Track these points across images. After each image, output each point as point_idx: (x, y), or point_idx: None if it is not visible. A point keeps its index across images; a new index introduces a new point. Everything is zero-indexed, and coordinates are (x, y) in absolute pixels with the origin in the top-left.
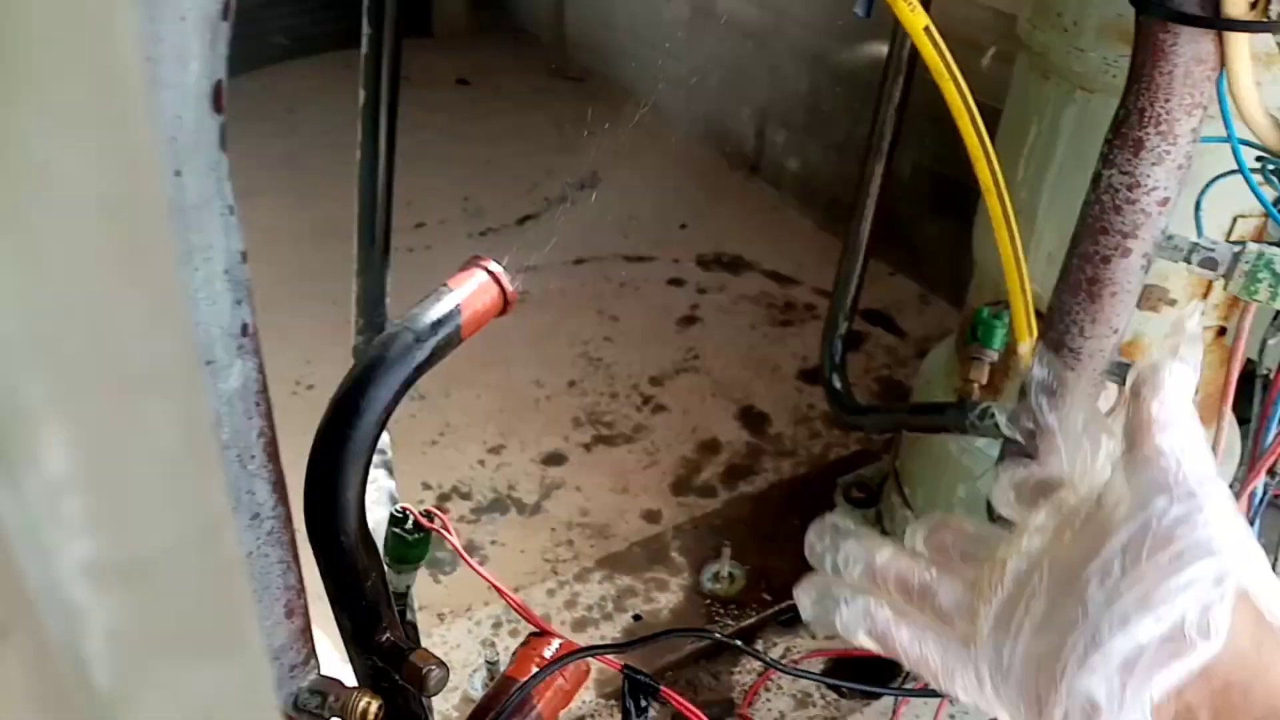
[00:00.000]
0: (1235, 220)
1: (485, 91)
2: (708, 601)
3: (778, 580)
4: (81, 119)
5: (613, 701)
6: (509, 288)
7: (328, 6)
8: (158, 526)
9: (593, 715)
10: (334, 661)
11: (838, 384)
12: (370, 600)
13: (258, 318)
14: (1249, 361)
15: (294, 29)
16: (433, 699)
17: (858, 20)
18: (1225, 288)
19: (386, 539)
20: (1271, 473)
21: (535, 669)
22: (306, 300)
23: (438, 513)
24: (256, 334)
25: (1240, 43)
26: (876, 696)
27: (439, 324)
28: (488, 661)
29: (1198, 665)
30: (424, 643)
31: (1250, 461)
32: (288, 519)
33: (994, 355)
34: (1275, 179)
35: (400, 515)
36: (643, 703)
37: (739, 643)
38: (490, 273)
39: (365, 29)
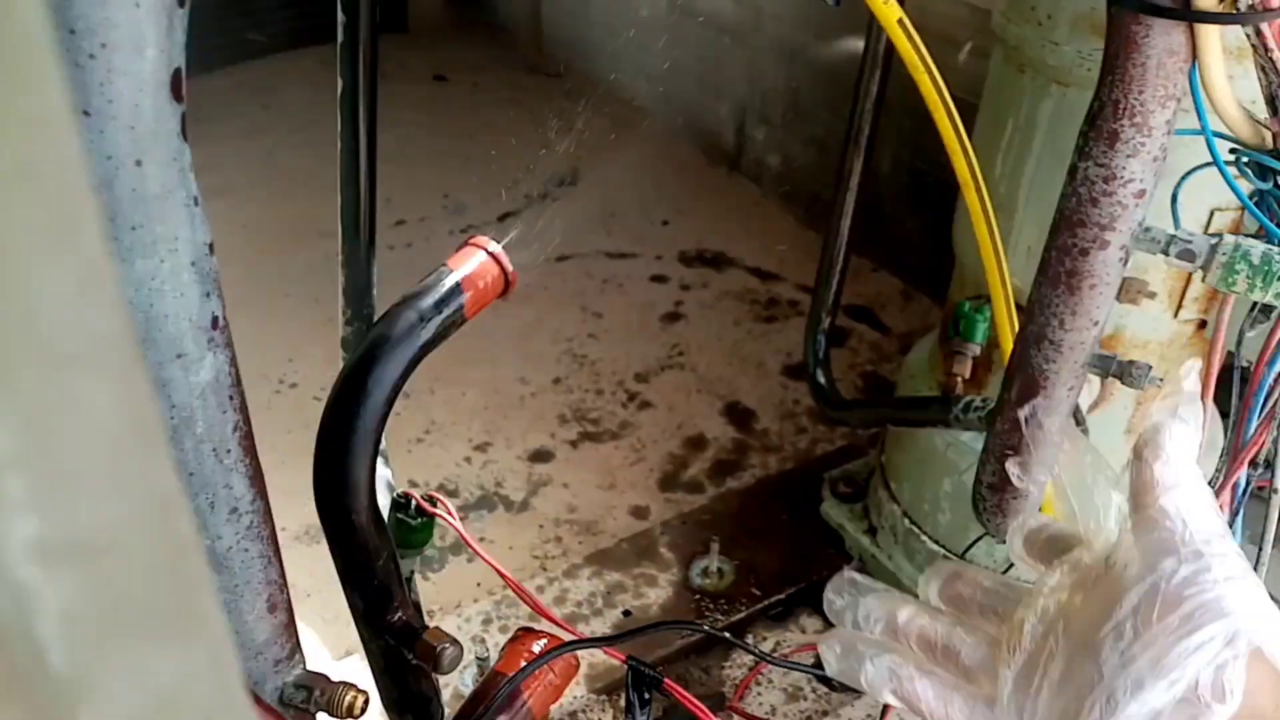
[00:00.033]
0: (1212, 214)
1: (463, 88)
2: (697, 597)
3: (766, 575)
4: None
5: (604, 697)
6: (509, 268)
7: (301, 2)
8: (104, 505)
9: (584, 710)
10: (322, 659)
11: (822, 379)
12: (382, 580)
13: (239, 316)
14: (1229, 355)
15: (268, 25)
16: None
17: (831, 11)
18: (1203, 279)
19: (389, 524)
20: (1254, 464)
21: (524, 663)
22: (288, 298)
23: (439, 497)
24: (228, 327)
25: (1211, 35)
26: None
27: (443, 302)
28: (478, 658)
29: None
30: None
31: (1232, 453)
32: (267, 513)
33: (976, 349)
34: (1250, 171)
35: (403, 500)
36: (646, 695)
37: (728, 635)
38: (490, 253)
39: (340, 18)
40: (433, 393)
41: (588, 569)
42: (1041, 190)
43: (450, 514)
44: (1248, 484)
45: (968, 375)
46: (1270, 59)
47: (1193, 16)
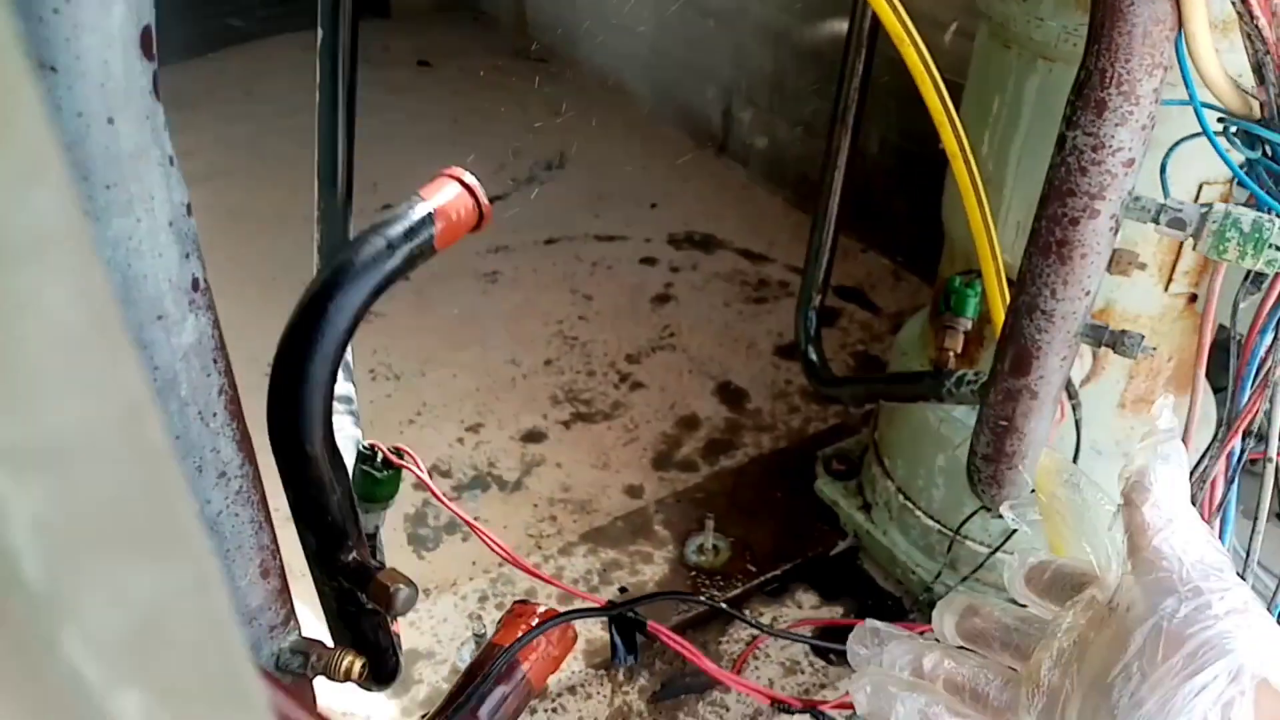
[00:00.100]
0: (1201, 188)
1: (448, 73)
2: (693, 573)
3: (761, 552)
4: None
5: (602, 671)
6: (484, 201)
7: None
8: (68, 406)
9: (582, 685)
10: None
11: (813, 356)
12: (335, 517)
13: (226, 300)
14: (1221, 328)
15: (249, 11)
16: (403, 673)
17: None
18: (1194, 248)
19: (354, 477)
20: (1247, 434)
21: (521, 634)
22: (275, 281)
23: (406, 450)
24: (209, 290)
25: (1197, 3)
26: None
27: (412, 231)
28: (475, 634)
29: None
30: (410, 618)
31: (1226, 422)
32: (256, 478)
33: (968, 324)
34: (1238, 141)
35: (368, 452)
36: (636, 638)
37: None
38: (465, 184)
39: None
40: (423, 375)
41: (583, 547)
42: (1029, 166)
43: (418, 465)
44: (1242, 454)
45: (959, 350)
46: (1256, 26)
47: None
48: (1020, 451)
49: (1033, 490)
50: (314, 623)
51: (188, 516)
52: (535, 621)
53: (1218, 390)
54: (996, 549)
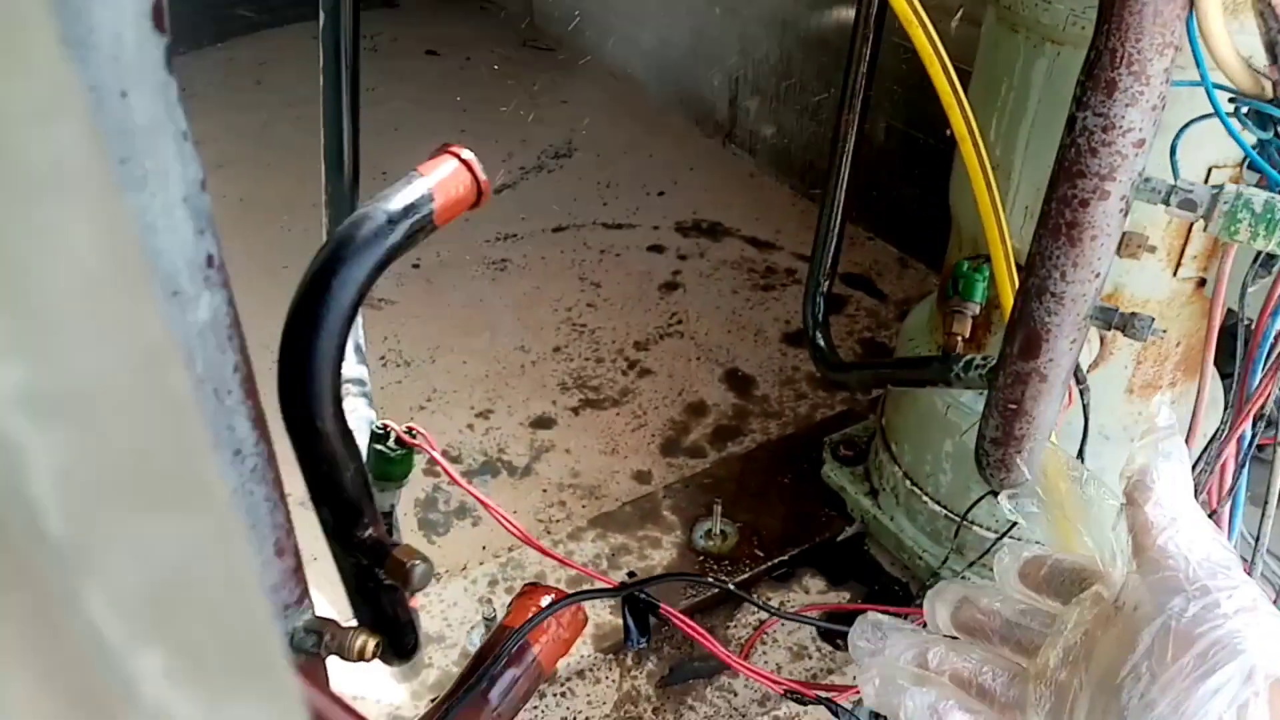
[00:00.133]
0: (1210, 171)
1: (455, 62)
2: (701, 558)
3: (769, 537)
4: None
5: (611, 656)
6: (482, 177)
7: None
8: (90, 352)
9: (592, 669)
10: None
11: (821, 341)
12: (351, 493)
13: (237, 287)
14: (1229, 313)
15: (260, 1)
16: (419, 650)
17: None
18: (1205, 229)
19: (369, 457)
20: (1257, 419)
21: (531, 616)
22: (285, 269)
23: (419, 429)
24: (224, 267)
25: None
26: None
27: (412, 208)
28: (485, 618)
29: None
30: (420, 602)
31: (1237, 405)
32: (271, 457)
33: (975, 308)
34: (1250, 121)
35: (381, 432)
36: (649, 620)
37: (732, 586)
38: (463, 160)
39: None
40: (434, 361)
41: (592, 531)
42: (1037, 150)
43: (431, 444)
44: (1252, 439)
45: (967, 335)
46: (1269, 4)
47: None
48: (1029, 435)
49: (1033, 481)
50: (327, 608)
51: (210, 468)
52: (546, 602)
53: (1223, 376)
54: (1004, 534)
